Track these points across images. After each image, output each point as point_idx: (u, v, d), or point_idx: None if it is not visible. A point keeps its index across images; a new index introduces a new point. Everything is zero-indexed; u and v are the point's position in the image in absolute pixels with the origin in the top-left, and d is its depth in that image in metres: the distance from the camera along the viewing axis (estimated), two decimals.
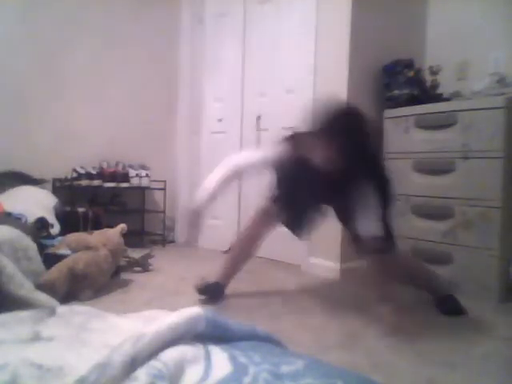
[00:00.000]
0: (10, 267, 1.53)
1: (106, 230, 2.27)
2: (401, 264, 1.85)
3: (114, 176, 3.08)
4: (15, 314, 1.15)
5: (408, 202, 2.40)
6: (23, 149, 2.79)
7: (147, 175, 3.24)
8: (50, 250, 2.03)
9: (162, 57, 3.59)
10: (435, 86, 2.55)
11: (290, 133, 1.90)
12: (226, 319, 0.93)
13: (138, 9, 3.39)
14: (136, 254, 2.52)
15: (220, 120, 3.34)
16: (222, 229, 3.27)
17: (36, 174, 2.77)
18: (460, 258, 2.16)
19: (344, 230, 2.09)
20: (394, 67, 2.55)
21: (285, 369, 0.78)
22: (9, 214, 2.10)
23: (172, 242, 3.58)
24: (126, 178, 3.14)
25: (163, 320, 0.84)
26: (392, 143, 2.51)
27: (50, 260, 1.88)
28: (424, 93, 2.50)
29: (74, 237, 2.08)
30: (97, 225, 2.70)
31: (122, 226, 2.24)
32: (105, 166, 3.10)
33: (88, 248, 2.00)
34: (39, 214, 2.28)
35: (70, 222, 2.60)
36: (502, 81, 2.30)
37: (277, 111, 2.91)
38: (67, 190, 2.89)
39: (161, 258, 2.78)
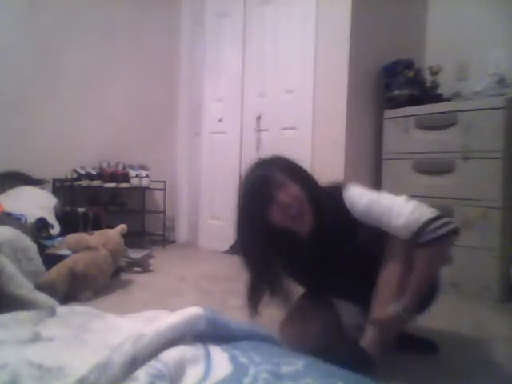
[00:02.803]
0: (10, 267, 1.53)
1: (106, 230, 2.27)
2: None
3: (114, 176, 3.07)
4: (15, 315, 1.15)
5: None
6: (23, 149, 2.79)
7: (147, 175, 3.23)
8: (50, 251, 2.03)
9: (162, 57, 3.59)
10: (435, 86, 2.54)
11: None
12: (227, 319, 0.93)
13: (139, 9, 3.39)
14: (136, 254, 2.52)
15: (220, 120, 3.34)
16: (222, 229, 3.27)
17: (36, 175, 2.77)
18: (460, 258, 2.15)
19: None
20: (393, 67, 2.55)
21: (285, 369, 0.78)
22: (9, 214, 2.10)
23: (172, 242, 3.57)
24: (126, 178, 3.13)
25: (163, 320, 0.84)
26: (392, 144, 2.51)
27: (50, 260, 1.88)
28: (424, 93, 2.50)
29: (74, 237, 2.08)
30: (97, 225, 2.70)
31: (122, 227, 2.24)
32: (105, 166, 3.10)
33: (88, 248, 2.00)
34: (39, 214, 2.28)
35: (69, 223, 2.60)
36: (502, 81, 2.30)
37: (277, 111, 2.91)
38: (67, 191, 2.89)
39: (161, 258, 2.77)
